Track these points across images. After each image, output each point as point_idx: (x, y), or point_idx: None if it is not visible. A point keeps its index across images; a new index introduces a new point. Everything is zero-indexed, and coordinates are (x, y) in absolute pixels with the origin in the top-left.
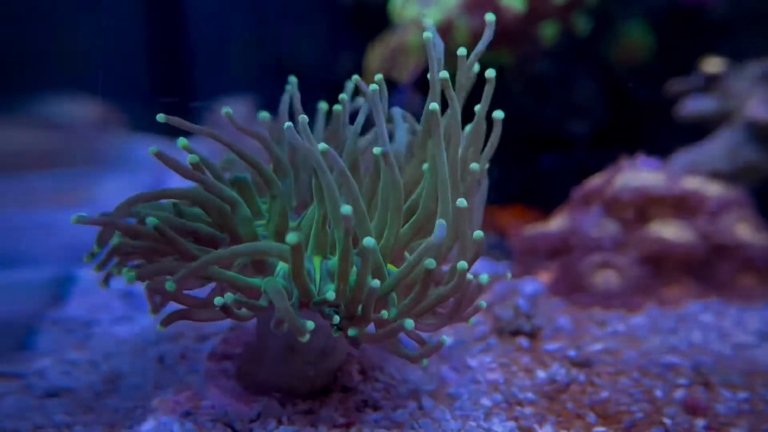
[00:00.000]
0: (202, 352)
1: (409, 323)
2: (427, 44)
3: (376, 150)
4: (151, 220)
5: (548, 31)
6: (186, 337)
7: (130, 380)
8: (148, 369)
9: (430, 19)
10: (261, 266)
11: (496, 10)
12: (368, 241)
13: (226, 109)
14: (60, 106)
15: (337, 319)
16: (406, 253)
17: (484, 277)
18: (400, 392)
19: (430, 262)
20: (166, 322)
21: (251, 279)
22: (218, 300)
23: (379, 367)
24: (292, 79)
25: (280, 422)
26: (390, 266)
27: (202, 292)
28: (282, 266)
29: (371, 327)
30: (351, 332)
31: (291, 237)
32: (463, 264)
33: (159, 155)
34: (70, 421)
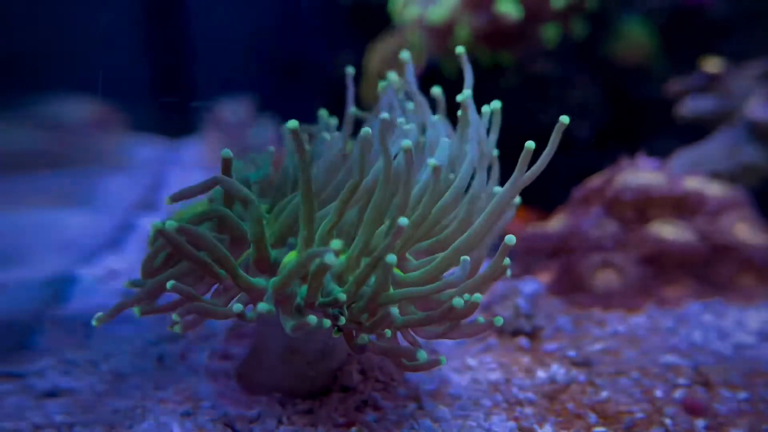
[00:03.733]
0: (202, 352)
1: (422, 355)
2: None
3: (431, 161)
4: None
5: (550, 33)
6: (186, 337)
7: (130, 380)
8: (148, 369)
9: (434, 17)
10: (263, 266)
11: (494, 17)
12: (391, 258)
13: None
14: (60, 106)
15: (343, 320)
16: (408, 254)
17: (478, 297)
18: (400, 392)
19: (458, 302)
20: (188, 326)
21: (254, 279)
22: (237, 307)
23: (379, 367)
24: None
25: (280, 422)
26: None
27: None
28: (287, 262)
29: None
30: (361, 340)
31: (335, 243)
32: (478, 297)
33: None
34: (70, 421)
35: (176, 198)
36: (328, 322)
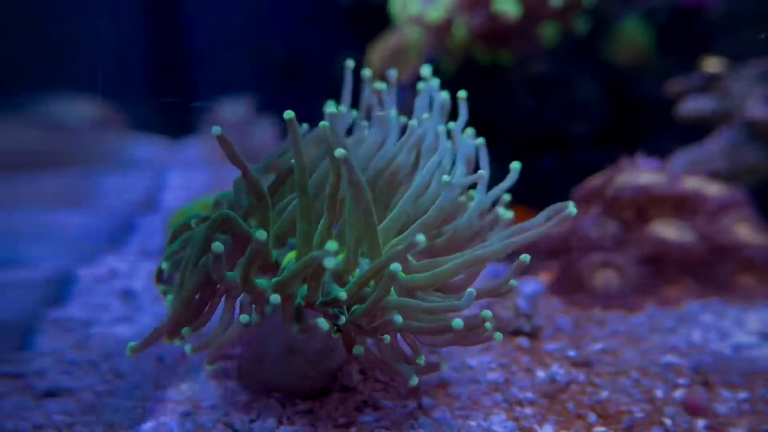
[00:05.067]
0: (203, 352)
1: (415, 381)
2: None
3: (446, 178)
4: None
5: (548, 32)
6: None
7: (130, 380)
8: (148, 369)
9: (432, 16)
10: (265, 266)
11: (492, 15)
12: (396, 267)
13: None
14: (60, 106)
15: (343, 320)
16: (409, 256)
17: (487, 313)
18: (400, 392)
19: (458, 324)
20: (210, 360)
21: (258, 280)
22: (244, 318)
23: None
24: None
25: (280, 422)
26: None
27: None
28: (286, 262)
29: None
30: (356, 351)
31: (330, 245)
32: (487, 313)
33: (221, 139)
34: (70, 421)
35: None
36: (326, 325)
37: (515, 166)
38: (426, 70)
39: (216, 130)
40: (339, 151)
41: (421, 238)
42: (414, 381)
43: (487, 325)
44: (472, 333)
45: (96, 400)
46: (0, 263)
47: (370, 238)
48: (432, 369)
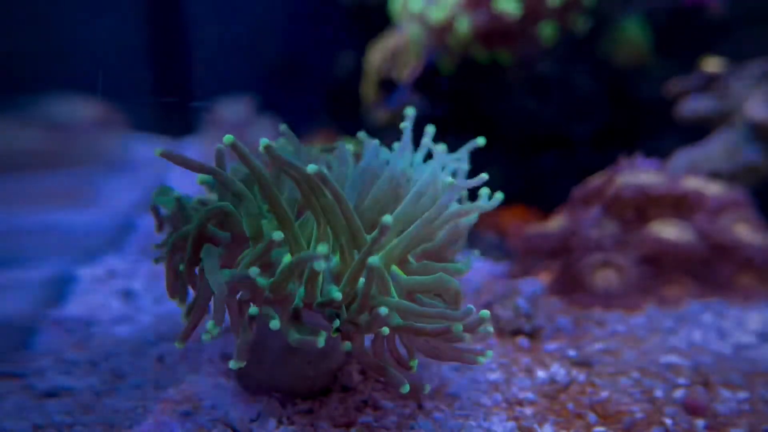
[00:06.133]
0: (202, 352)
1: (406, 389)
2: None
3: (448, 180)
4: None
5: (547, 32)
6: None
7: (130, 380)
8: (148, 369)
9: (435, 17)
10: (266, 266)
11: (493, 15)
12: (374, 260)
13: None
14: (60, 106)
15: (337, 322)
16: (410, 257)
17: (485, 313)
18: (400, 392)
19: (458, 329)
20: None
21: (258, 279)
22: (253, 311)
23: None
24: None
25: (280, 422)
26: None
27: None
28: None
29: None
30: (346, 347)
31: (322, 247)
32: (485, 313)
33: (166, 155)
34: (70, 421)
35: (174, 160)
36: (323, 342)
37: (498, 196)
38: (410, 111)
39: (157, 151)
40: (312, 167)
41: (387, 218)
42: (405, 389)
43: (483, 330)
44: (466, 351)
45: (96, 400)
46: (0, 263)
47: (357, 242)
48: (416, 390)
